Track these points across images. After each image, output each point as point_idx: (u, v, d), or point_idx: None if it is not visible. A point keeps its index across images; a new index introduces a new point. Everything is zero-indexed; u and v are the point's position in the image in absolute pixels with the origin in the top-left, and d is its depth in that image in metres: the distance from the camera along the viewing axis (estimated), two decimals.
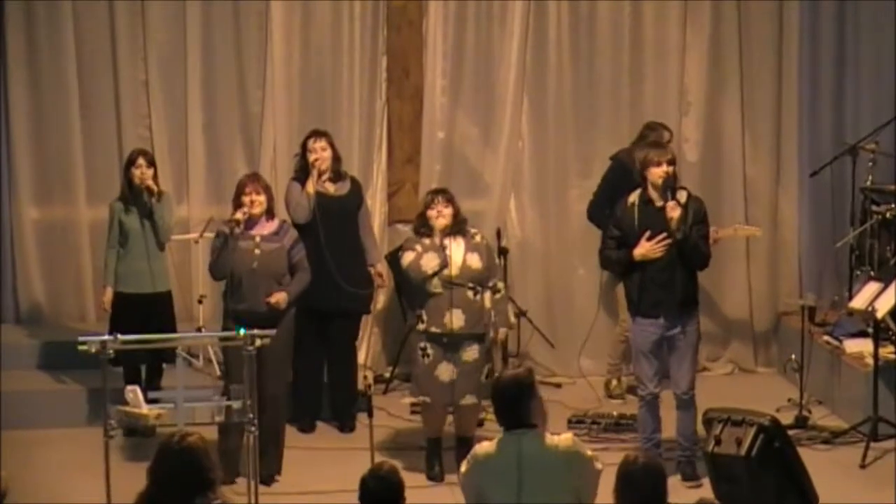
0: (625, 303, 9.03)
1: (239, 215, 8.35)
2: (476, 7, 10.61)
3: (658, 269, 8.36)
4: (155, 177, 9.17)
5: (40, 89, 10.35)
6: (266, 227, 8.46)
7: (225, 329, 8.29)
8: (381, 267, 9.71)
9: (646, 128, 9.95)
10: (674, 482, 8.47)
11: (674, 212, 8.30)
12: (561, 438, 5.97)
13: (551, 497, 5.85)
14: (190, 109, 10.46)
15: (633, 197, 8.47)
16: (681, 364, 8.47)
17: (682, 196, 8.40)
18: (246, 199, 8.36)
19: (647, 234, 8.32)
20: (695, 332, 8.50)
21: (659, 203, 8.38)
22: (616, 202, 8.64)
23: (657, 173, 8.35)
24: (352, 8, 10.49)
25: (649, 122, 10.04)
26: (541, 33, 10.64)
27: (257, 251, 8.38)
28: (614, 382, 10.02)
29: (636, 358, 8.58)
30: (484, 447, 6.01)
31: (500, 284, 8.73)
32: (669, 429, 8.60)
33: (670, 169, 8.36)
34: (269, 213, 8.48)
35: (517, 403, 5.97)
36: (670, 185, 8.37)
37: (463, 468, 6.04)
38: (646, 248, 8.34)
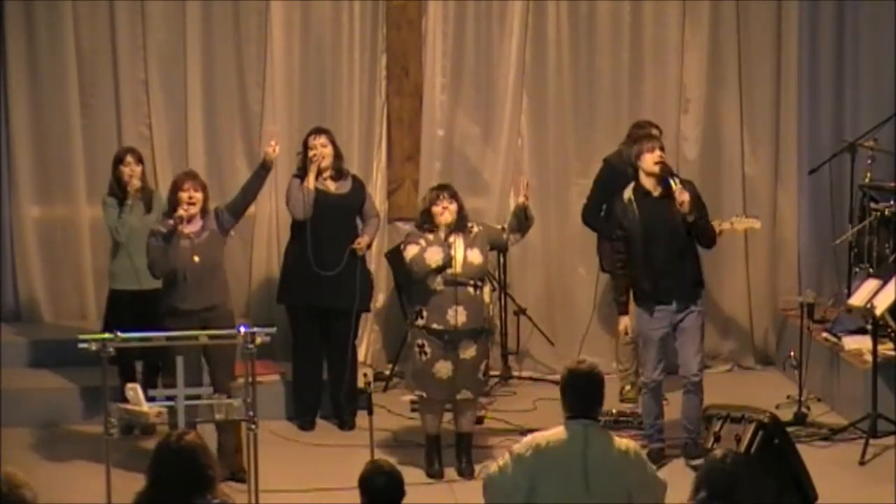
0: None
1: (181, 212, 8.31)
2: (475, 6, 10.61)
3: (666, 259, 8.46)
4: (144, 175, 9.17)
5: (40, 89, 10.35)
6: (197, 224, 8.42)
7: (168, 328, 8.18)
8: (366, 240, 9.47)
9: (635, 126, 9.89)
10: (678, 465, 8.53)
11: (683, 195, 8.37)
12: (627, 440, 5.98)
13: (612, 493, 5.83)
14: (190, 109, 10.45)
15: (628, 192, 8.53)
16: (689, 346, 8.57)
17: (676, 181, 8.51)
18: (184, 196, 8.33)
19: None
20: (701, 313, 8.62)
21: (656, 192, 8.43)
22: (611, 203, 8.67)
23: (651, 159, 8.43)
24: (351, 7, 10.49)
25: (638, 121, 10.01)
26: (540, 32, 10.64)
27: (195, 247, 8.36)
28: (627, 387, 9.96)
29: (643, 344, 8.67)
30: (547, 435, 5.91)
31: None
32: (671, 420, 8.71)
33: (663, 154, 8.44)
34: (204, 211, 8.46)
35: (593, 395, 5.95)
36: (669, 171, 8.43)
37: (521, 449, 5.88)
38: None
